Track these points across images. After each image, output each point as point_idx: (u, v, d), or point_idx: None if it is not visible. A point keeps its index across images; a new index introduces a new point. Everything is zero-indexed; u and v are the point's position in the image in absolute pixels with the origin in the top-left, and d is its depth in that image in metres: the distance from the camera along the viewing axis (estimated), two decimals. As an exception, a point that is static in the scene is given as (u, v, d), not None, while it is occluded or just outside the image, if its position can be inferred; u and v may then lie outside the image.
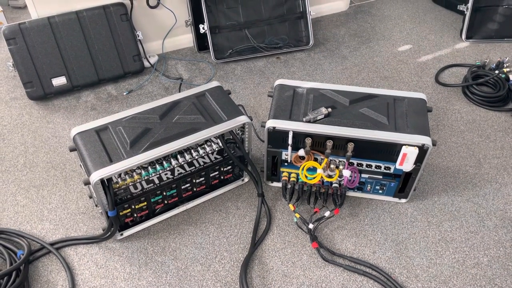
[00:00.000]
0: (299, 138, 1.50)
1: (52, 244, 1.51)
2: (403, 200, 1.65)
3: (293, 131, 1.47)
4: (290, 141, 1.49)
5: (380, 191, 1.63)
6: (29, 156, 1.85)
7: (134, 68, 2.22)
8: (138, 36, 2.24)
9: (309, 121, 1.48)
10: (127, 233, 1.55)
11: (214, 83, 1.64)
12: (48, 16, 2.01)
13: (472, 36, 2.51)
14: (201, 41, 2.41)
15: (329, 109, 1.50)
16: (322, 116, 1.48)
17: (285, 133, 1.49)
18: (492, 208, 1.64)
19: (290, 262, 1.48)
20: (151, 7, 2.27)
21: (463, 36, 2.52)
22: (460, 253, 1.50)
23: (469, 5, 2.43)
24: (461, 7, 2.49)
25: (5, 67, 2.27)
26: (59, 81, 2.08)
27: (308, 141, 1.47)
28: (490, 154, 1.85)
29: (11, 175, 1.77)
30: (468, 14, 2.45)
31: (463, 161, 1.82)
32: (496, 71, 2.15)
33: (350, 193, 1.67)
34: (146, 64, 2.30)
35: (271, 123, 1.49)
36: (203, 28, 2.29)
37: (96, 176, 1.30)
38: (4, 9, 2.66)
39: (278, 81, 1.65)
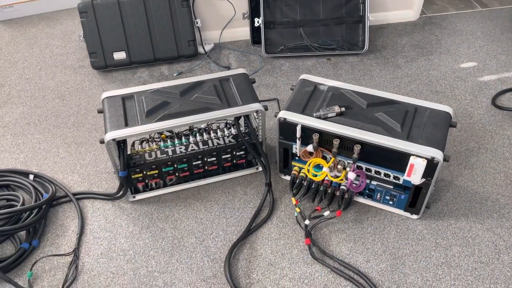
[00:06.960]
0: (309, 133, 1.50)
1: (74, 194, 1.68)
2: (415, 216, 1.57)
3: (301, 125, 1.48)
4: (298, 134, 1.50)
5: (390, 202, 1.57)
6: (80, 117, 2.06)
7: (188, 52, 2.37)
8: (197, 23, 2.38)
9: (319, 117, 1.47)
10: (139, 196, 1.67)
11: (240, 70, 1.70)
12: (118, -5, 2.23)
13: (549, 60, 2.27)
14: (256, 35, 2.48)
15: (343, 108, 1.48)
16: (334, 114, 1.47)
17: (295, 126, 1.50)
18: (514, 243, 1.50)
19: (280, 253, 1.49)
20: (213, -3, 2.40)
21: (539, 59, 2.29)
22: (462, 281, 1.39)
23: (549, 26, 2.20)
24: (540, 28, 2.27)
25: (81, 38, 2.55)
26: (119, 55, 2.29)
27: (315, 137, 1.47)
28: (531, 187, 1.68)
29: (60, 130, 1.99)
30: (547, 36, 2.22)
31: (496, 189, 1.68)
32: None
33: (360, 199, 1.63)
34: (201, 50, 2.44)
35: (282, 114, 1.51)
36: (258, 22, 2.36)
37: (110, 136, 1.43)
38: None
39: (303, 76, 1.66)
